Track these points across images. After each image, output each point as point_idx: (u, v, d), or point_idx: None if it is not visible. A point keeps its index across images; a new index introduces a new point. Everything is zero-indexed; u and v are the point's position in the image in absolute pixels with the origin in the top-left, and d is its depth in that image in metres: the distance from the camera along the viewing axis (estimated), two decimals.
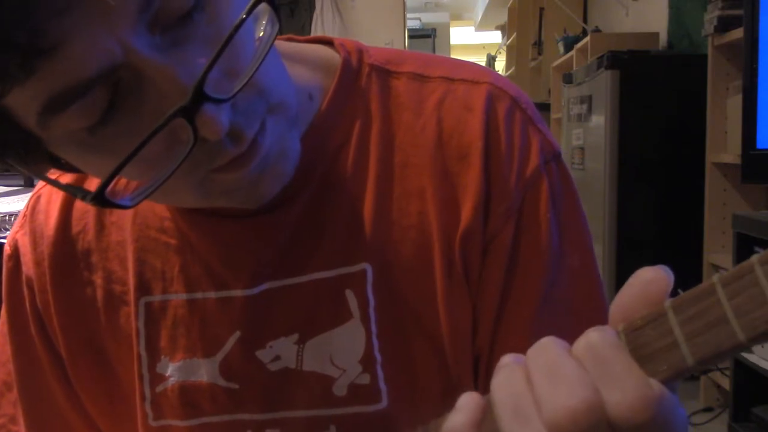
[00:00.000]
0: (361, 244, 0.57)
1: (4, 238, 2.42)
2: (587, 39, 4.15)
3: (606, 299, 0.60)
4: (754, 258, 0.29)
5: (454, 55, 10.55)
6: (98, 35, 0.40)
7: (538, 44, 6.05)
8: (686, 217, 2.99)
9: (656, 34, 3.83)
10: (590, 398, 0.31)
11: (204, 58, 0.43)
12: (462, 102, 0.59)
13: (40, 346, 0.64)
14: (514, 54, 6.88)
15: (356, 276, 0.57)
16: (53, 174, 0.56)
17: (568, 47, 4.78)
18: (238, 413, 0.60)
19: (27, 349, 0.65)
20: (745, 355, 2.21)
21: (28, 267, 0.64)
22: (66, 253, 0.63)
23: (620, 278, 3.05)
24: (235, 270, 0.58)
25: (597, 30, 4.57)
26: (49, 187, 0.48)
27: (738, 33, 2.37)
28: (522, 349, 0.37)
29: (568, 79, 3.92)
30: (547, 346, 0.34)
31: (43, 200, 0.65)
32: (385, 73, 0.60)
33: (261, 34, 0.46)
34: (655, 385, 0.31)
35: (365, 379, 0.58)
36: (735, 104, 2.44)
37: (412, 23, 9.04)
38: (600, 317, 0.59)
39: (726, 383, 2.46)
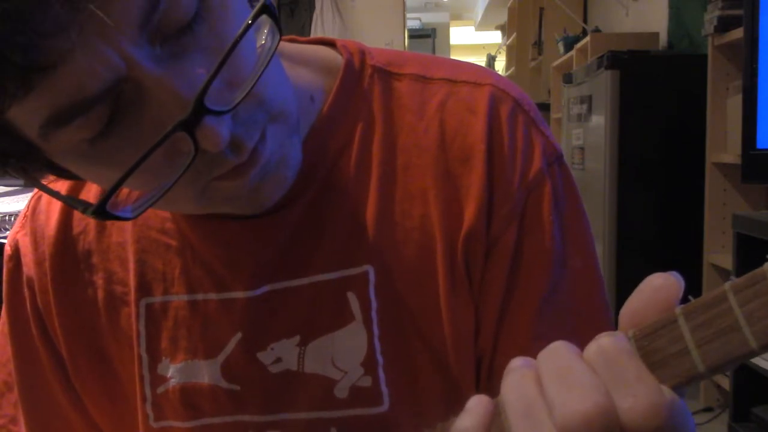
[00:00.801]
0: (363, 245, 0.57)
1: (4, 238, 2.42)
2: (587, 39, 4.15)
3: (608, 300, 0.60)
4: (767, 266, 0.29)
5: (454, 55, 10.56)
6: (99, 51, 0.39)
7: (538, 44, 6.05)
8: (686, 217, 2.99)
9: (656, 34, 3.82)
10: (603, 403, 0.31)
11: (205, 69, 0.43)
12: (465, 104, 0.59)
13: (40, 347, 0.64)
14: (514, 54, 6.87)
15: (358, 278, 0.57)
16: (53, 183, 0.56)
17: (568, 47, 4.78)
18: (239, 415, 0.60)
19: (28, 350, 0.65)
20: None
21: (28, 267, 0.64)
22: (67, 253, 0.62)
23: (620, 278, 3.05)
24: (236, 271, 0.58)
25: (597, 30, 4.57)
26: (50, 177, 0.48)
27: (738, 33, 2.37)
28: (525, 350, 0.37)
29: (568, 79, 3.92)
30: (559, 351, 0.34)
31: (44, 200, 0.65)
32: (387, 75, 0.60)
33: (262, 42, 0.46)
34: (667, 392, 0.31)
35: (367, 382, 0.58)
36: (735, 104, 2.43)
37: (412, 23, 9.04)
38: (602, 318, 0.59)
39: (726, 383, 2.47)
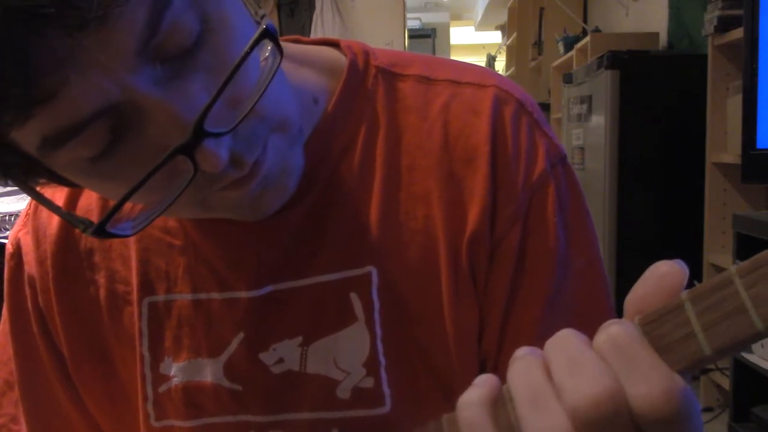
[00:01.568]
0: (366, 246, 0.57)
1: (5, 238, 2.42)
2: (587, 39, 4.15)
3: (612, 300, 0.60)
4: None
5: (454, 55, 10.56)
6: (94, 81, 0.40)
7: (538, 44, 6.05)
8: (686, 217, 2.99)
9: (656, 34, 3.83)
10: (612, 387, 0.32)
11: (206, 90, 0.43)
12: (468, 105, 0.59)
13: (42, 346, 0.64)
14: (514, 54, 6.87)
15: (361, 279, 0.57)
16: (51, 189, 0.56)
17: (568, 47, 4.78)
18: (241, 414, 0.60)
19: (29, 349, 0.65)
20: (745, 355, 2.21)
21: (30, 266, 0.64)
22: (69, 252, 0.62)
23: (620, 278, 3.05)
24: (238, 271, 0.58)
25: (597, 30, 4.57)
26: (51, 185, 0.48)
27: (738, 33, 2.37)
28: None
29: (568, 79, 3.92)
30: (567, 338, 0.34)
31: None
32: (391, 76, 0.60)
33: (266, 56, 0.46)
34: (678, 378, 0.32)
35: (369, 383, 0.58)
36: (735, 104, 2.43)
37: (412, 23, 9.04)
38: (607, 318, 0.59)
39: (726, 383, 2.46)
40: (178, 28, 0.41)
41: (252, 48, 0.42)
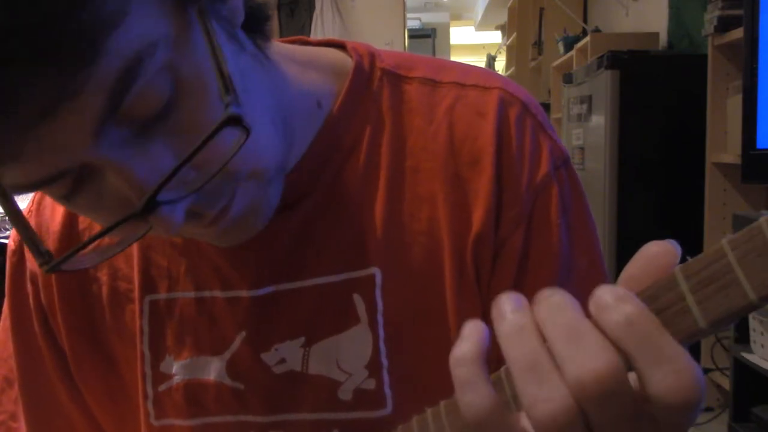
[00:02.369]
0: (370, 248, 0.57)
1: (5, 238, 2.41)
2: (587, 39, 4.15)
3: None
4: (762, 220, 0.30)
5: (453, 55, 10.56)
6: (50, 157, 0.40)
7: (538, 44, 6.05)
8: (686, 217, 2.99)
9: (656, 34, 3.83)
10: (614, 361, 0.31)
11: (170, 153, 0.43)
12: (473, 107, 0.59)
13: (43, 343, 0.64)
14: (514, 54, 6.87)
15: (365, 280, 0.57)
16: None
17: (568, 47, 4.78)
18: (242, 414, 0.60)
19: (30, 345, 0.65)
20: (745, 355, 2.21)
21: (32, 262, 0.64)
22: (72, 248, 0.62)
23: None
24: (240, 271, 0.58)
25: (597, 30, 4.57)
26: None
27: (738, 33, 2.38)
28: None
29: (568, 79, 3.92)
30: (563, 306, 0.34)
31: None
32: (396, 78, 0.60)
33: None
34: (696, 365, 0.31)
35: (371, 384, 0.58)
36: (735, 104, 2.44)
37: (412, 23, 9.04)
38: None
39: (726, 383, 2.47)
40: (147, 96, 0.41)
41: (214, 134, 0.40)
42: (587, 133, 3.49)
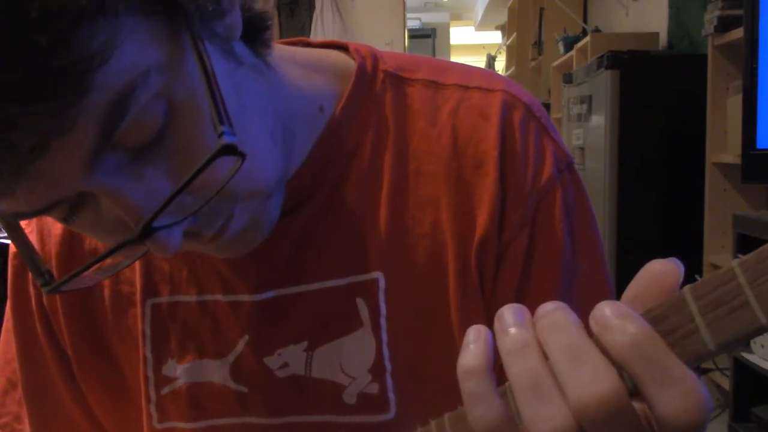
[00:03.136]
0: (373, 252, 0.57)
1: (5, 238, 2.41)
2: (587, 39, 4.15)
3: None
4: None
5: (454, 55, 10.55)
6: (44, 188, 0.40)
7: (538, 44, 6.05)
8: (686, 217, 2.99)
9: (656, 34, 3.83)
10: (617, 384, 0.31)
11: (165, 178, 0.43)
12: (477, 110, 0.58)
13: (45, 345, 0.65)
14: (514, 54, 6.87)
15: (368, 284, 0.57)
16: None
17: (568, 47, 4.78)
18: (246, 417, 0.60)
19: (33, 348, 0.65)
20: (745, 355, 2.21)
21: None
22: (74, 252, 0.63)
23: (620, 278, 3.04)
24: (241, 275, 0.58)
25: (597, 30, 4.57)
26: None
27: (738, 33, 2.37)
28: None
29: (568, 79, 3.92)
30: (566, 325, 0.34)
31: None
32: (399, 80, 0.60)
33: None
34: (703, 385, 0.31)
35: (374, 389, 0.58)
36: (735, 104, 2.44)
37: (412, 23, 9.04)
38: None
39: (726, 383, 2.46)
40: (141, 123, 0.40)
41: (208, 163, 0.40)
42: (587, 133, 3.49)
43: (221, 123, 0.40)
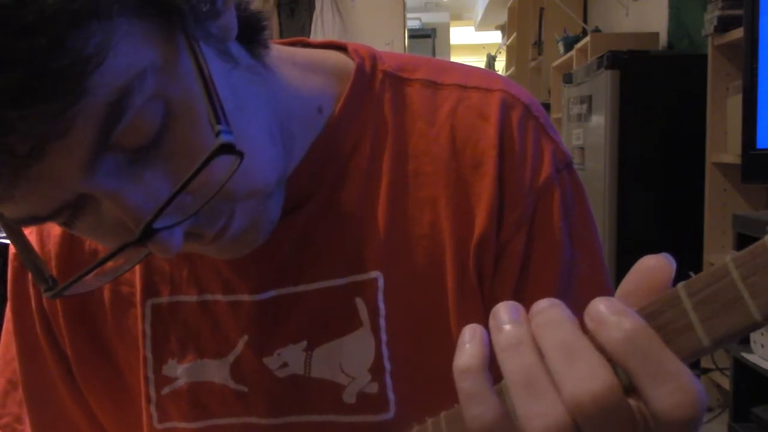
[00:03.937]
0: (372, 252, 0.57)
1: (5, 238, 2.42)
2: (587, 39, 4.15)
3: None
4: (767, 237, 0.30)
5: (454, 55, 10.55)
6: (44, 190, 0.40)
7: (538, 44, 6.05)
8: (686, 217, 2.99)
9: (656, 34, 3.83)
10: (612, 380, 0.31)
11: (165, 179, 0.43)
12: (476, 110, 0.58)
13: (45, 346, 0.65)
14: (514, 54, 6.87)
15: (367, 284, 0.57)
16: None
17: (568, 47, 4.78)
18: (246, 416, 0.60)
19: (33, 349, 0.65)
20: (745, 355, 2.21)
21: None
22: (73, 252, 0.63)
23: (620, 278, 2.94)
24: (241, 275, 0.58)
25: (597, 30, 4.57)
26: None
27: (738, 33, 2.38)
28: None
29: (568, 79, 3.92)
30: (560, 321, 0.34)
31: None
32: (398, 80, 0.60)
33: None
34: (697, 380, 0.32)
35: (374, 388, 0.58)
36: (735, 104, 2.44)
37: (412, 23, 9.04)
38: None
39: (726, 383, 2.46)
40: (138, 125, 0.41)
41: (205, 163, 0.40)
42: (587, 133, 3.50)
43: (218, 122, 0.40)
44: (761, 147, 2.12)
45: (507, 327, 0.35)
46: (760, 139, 2.12)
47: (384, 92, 0.60)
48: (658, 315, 0.32)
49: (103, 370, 0.64)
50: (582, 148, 3.58)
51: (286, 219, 0.56)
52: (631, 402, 0.32)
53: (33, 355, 0.65)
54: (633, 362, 0.32)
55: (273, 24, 4.76)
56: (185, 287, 0.60)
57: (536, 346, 0.34)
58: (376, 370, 0.58)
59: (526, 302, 0.57)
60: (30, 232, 0.64)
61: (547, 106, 5.21)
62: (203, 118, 0.42)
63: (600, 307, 0.33)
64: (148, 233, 0.41)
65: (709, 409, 2.65)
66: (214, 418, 0.61)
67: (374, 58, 0.61)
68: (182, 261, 0.60)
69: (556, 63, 5.12)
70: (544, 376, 0.33)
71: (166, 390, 0.61)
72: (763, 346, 2.16)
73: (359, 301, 0.57)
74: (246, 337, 0.59)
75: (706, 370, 2.64)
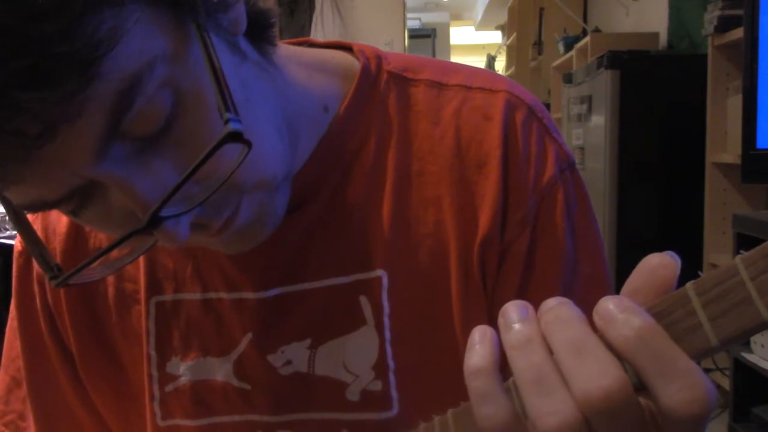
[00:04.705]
0: (376, 250, 0.57)
1: (5, 238, 2.39)
2: (587, 39, 4.15)
3: None
4: None
5: (454, 55, 10.55)
6: (54, 175, 0.40)
7: (538, 44, 6.05)
8: (686, 217, 2.99)
9: (656, 34, 3.83)
10: (622, 377, 0.32)
11: (172, 167, 0.43)
12: (480, 111, 0.59)
13: (50, 343, 0.65)
14: (514, 54, 6.87)
15: (371, 282, 0.57)
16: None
17: (568, 47, 4.78)
18: (249, 414, 0.60)
19: (37, 346, 0.65)
20: (745, 355, 2.22)
21: None
22: (78, 250, 0.63)
23: (621, 277, 2.99)
24: (245, 273, 0.59)
25: (597, 30, 4.57)
26: None
27: (738, 33, 2.38)
28: None
29: (568, 79, 3.92)
30: (570, 319, 0.34)
31: None
32: (403, 81, 0.60)
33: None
34: (707, 377, 0.32)
35: (377, 386, 0.58)
36: (735, 104, 2.44)
37: (412, 23, 9.04)
38: None
39: (726, 383, 2.47)
40: (147, 113, 0.41)
41: (213, 151, 0.40)
42: (587, 133, 3.50)
43: (227, 110, 0.40)
44: (761, 147, 2.12)
45: (516, 325, 0.35)
46: (760, 139, 2.12)
47: (389, 92, 0.60)
48: (666, 314, 0.32)
49: (107, 368, 0.64)
50: (582, 148, 3.58)
51: (290, 217, 0.56)
52: (641, 399, 0.33)
53: (37, 352, 0.66)
54: (642, 359, 0.32)
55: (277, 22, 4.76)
56: (189, 285, 0.60)
57: (546, 344, 0.34)
58: (380, 368, 0.58)
59: (530, 301, 0.57)
60: (35, 229, 0.64)
61: (547, 106, 5.14)
62: (212, 108, 0.42)
63: (609, 305, 0.33)
64: (155, 221, 0.42)
65: None
66: (218, 416, 0.61)
67: (379, 58, 0.61)
68: (186, 258, 0.60)
69: (556, 63, 5.12)
70: (555, 373, 0.33)
71: (169, 387, 0.62)
72: (763, 346, 2.16)
73: (363, 300, 0.58)
74: (250, 335, 0.59)
75: (706, 371, 2.63)
